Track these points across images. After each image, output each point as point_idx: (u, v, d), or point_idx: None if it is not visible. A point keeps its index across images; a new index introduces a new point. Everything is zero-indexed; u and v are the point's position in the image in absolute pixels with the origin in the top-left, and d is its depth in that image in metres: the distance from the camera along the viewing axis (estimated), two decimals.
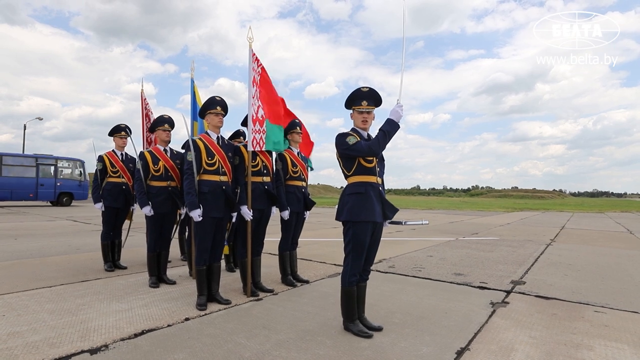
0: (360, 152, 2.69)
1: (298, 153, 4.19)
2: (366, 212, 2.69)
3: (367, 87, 2.81)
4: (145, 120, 5.07)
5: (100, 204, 4.63)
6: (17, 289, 3.72)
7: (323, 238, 8.41)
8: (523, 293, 4.07)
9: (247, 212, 3.57)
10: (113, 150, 4.76)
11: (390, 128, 2.67)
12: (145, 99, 5.24)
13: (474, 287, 4.30)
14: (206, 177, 3.37)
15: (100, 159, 4.68)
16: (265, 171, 3.83)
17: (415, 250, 6.94)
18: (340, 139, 2.75)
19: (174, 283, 4.08)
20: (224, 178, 3.44)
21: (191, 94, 4.98)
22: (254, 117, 3.65)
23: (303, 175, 4.15)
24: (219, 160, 3.42)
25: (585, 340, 2.77)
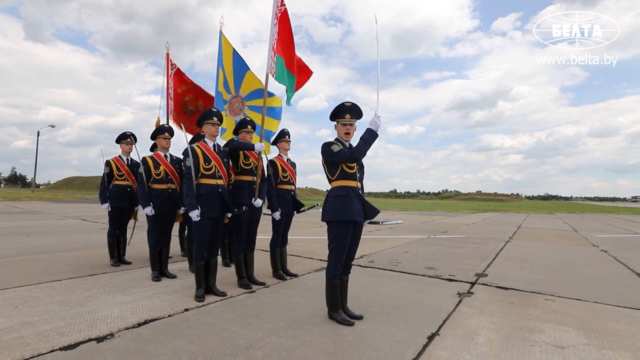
0: (343, 159, 2.71)
1: (288, 160, 4.19)
2: (347, 212, 2.71)
3: (350, 102, 2.83)
4: (170, 81, 4.60)
5: (107, 204, 4.54)
6: (30, 282, 3.61)
7: (310, 236, 8.39)
8: (485, 284, 4.14)
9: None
10: (119, 156, 4.68)
11: (370, 137, 2.70)
12: (171, 60, 4.70)
13: (444, 279, 4.35)
14: (204, 180, 3.35)
15: (108, 163, 4.59)
16: (255, 171, 3.81)
17: (392, 247, 6.99)
18: (326, 147, 2.76)
19: (174, 277, 4.01)
20: (220, 181, 3.42)
21: (219, 44, 4.46)
22: (273, 46, 4.02)
23: (292, 179, 4.16)
24: (215, 166, 3.40)
25: (537, 325, 2.84)
